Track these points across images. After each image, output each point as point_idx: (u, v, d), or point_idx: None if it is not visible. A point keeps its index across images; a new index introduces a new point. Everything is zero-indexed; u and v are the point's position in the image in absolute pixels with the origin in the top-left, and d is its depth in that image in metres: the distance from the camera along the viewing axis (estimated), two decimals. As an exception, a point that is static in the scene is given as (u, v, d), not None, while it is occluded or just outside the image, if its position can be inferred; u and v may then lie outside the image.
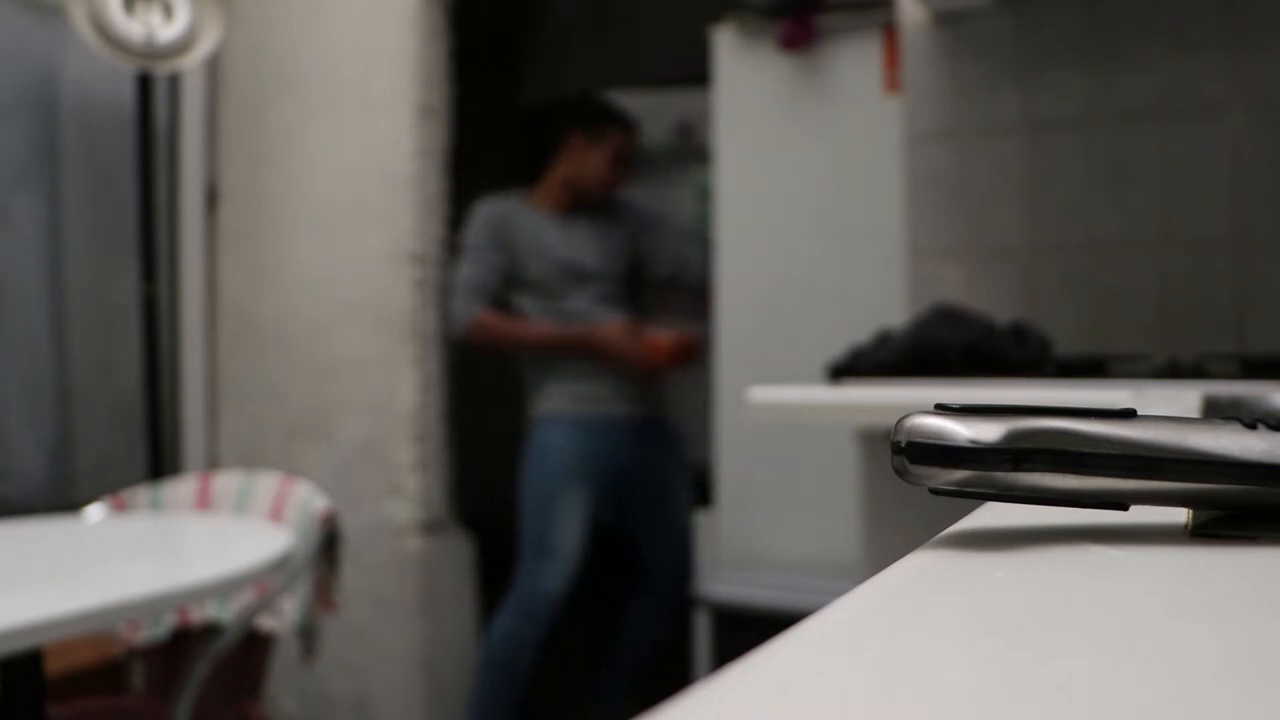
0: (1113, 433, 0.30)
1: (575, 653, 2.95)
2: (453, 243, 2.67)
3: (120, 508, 1.87)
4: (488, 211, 2.57)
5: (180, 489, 1.97)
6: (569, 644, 2.84)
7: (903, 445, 0.30)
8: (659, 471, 2.63)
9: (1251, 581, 0.25)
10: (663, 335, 2.52)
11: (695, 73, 2.72)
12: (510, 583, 2.45)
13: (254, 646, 1.83)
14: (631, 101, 3.60)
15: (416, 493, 2.54)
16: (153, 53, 2.19)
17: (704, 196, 3.16)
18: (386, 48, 2.59)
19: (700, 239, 2.70)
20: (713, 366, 2.42)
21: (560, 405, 2.51)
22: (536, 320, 2.53)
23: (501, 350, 2.55)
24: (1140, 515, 0.33)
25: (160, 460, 2.32)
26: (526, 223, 2.55)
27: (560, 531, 2.45)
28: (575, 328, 2.49)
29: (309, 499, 1.81)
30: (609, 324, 2.48)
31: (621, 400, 2.55)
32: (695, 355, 2.52)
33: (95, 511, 1.82)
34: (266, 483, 1.93)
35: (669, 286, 2.72)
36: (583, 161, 2.58)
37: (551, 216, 2.56)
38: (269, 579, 1.37)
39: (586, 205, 2.62)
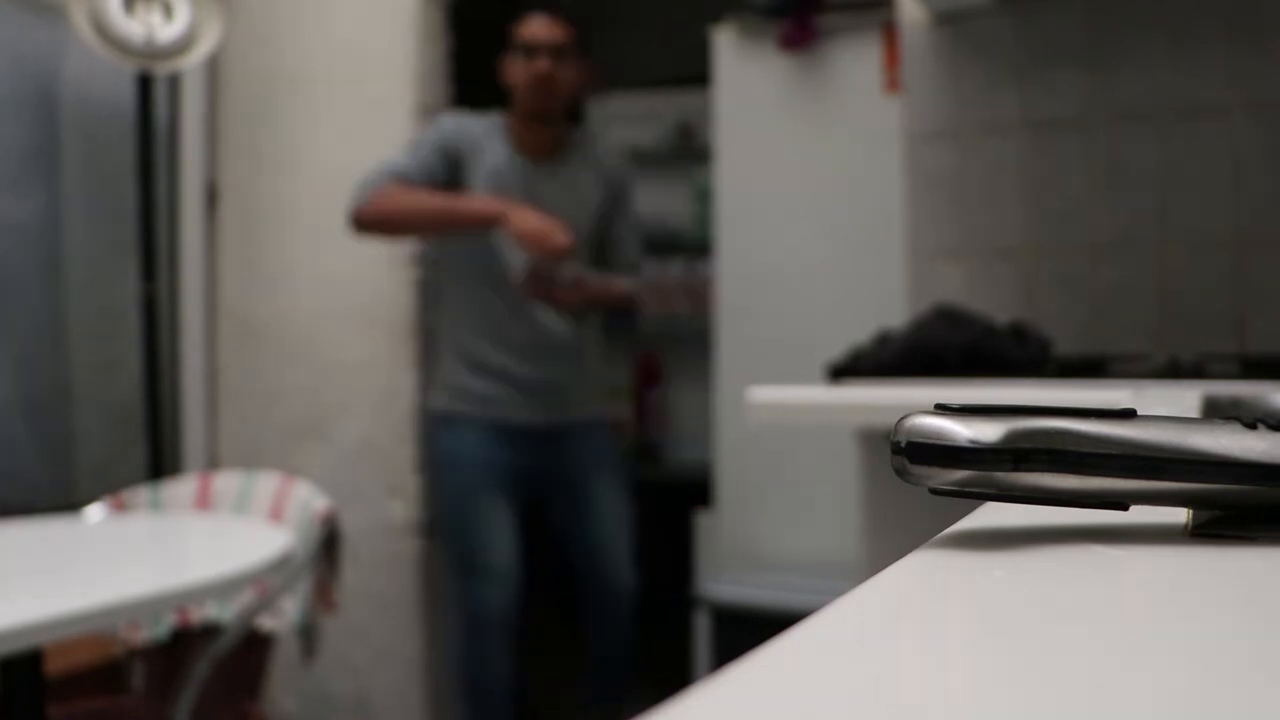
0: (1113, 433, 0.30)
1: (553, 670, 2.92)
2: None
3: (120, 508, 1.87)
4: (452, 124, 2.25)
5: (180, 489, 1.97)
6: (547, 661, 2.82)
7: (903, 445, 0.30)
8: (578, 483, 2.31)
9: (1251, 581, 0.25)
10: (586, 276, 2.20)
11: (695, 73, 2.72)
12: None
13: (254, 646, 1.83)
14: (631, 102, 3.61)
15: (416, 493, 2.54)
16: (153, 53, 2.19)
17: (704, 196, 3.16)
18: (386, 48, 2.59)
19: (641, 240, 2.46)
20: (713, 366, 2.42)
21: (454, 405, 2.27)
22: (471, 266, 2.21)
23: (392, 235, 2.25)
24: (1140, 515, 0.33)
25: (160, 460, 2.32)
26: (490, 152, 2.20)
27: (484, 547, 2.23)
28: (483, 201, 2.12)
29: (309, 499, 1.82)
30: (526, 211, 2.07)
31: (522, 406, 2.25)
32: (595, 303, 2.23)
33: (95, 511, 1.82)
34: (266, 483, 1.93)
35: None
36: (507, 76, 2.22)
37: (520, 155, 2.22)
38: (269, 579, 1.37)
39: (563, 150, 2.27)
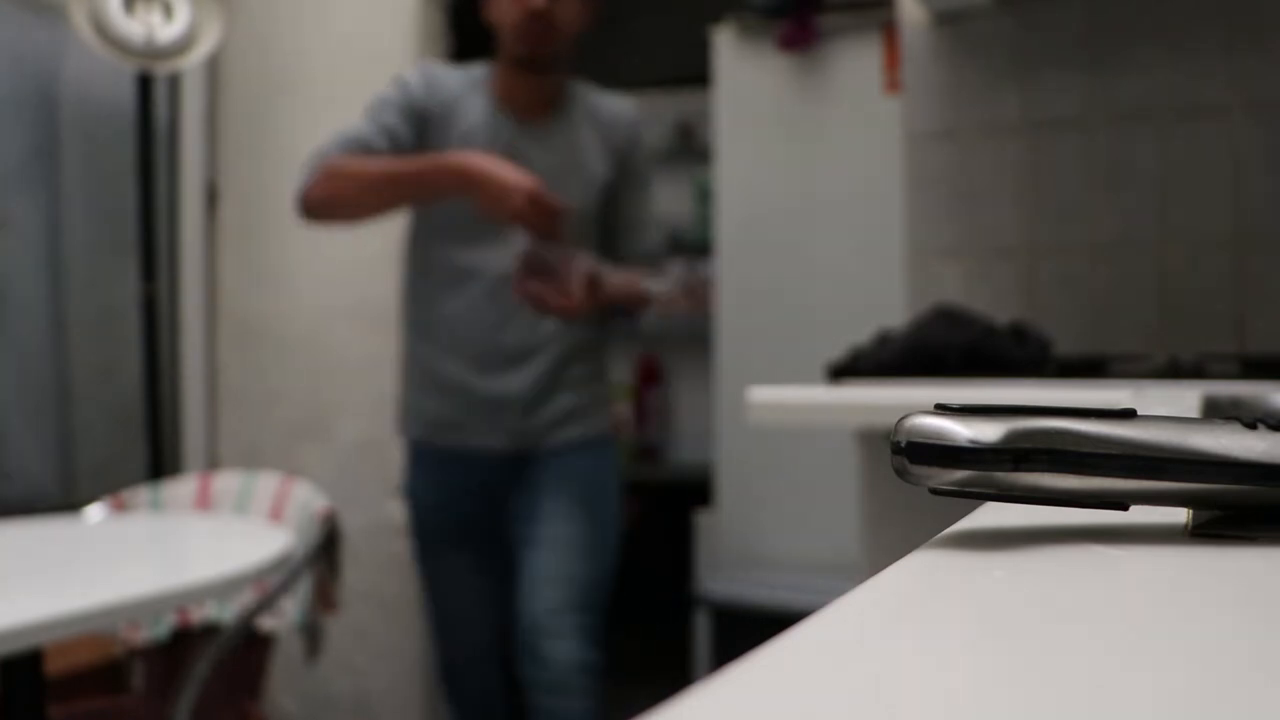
0: (1113, 433, 0.30)
1: None
2: None
3: (120, 508, 1.87)
4: (419, 80, 1.79)
5: (180, 489, 1.97)
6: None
7: (903, 445, 0.30)
8: (529, 515, 1.81)
9: (1251, 581, 0.25)
10: (586, 262, 1.65)
11: (695, 73, 2.72)
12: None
13: (254, 646, 1.83)
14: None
15: (416, 493, 2.55)
16: (153, 53, 2.19)
17: (704, 196, 3.16)
18: (386, 48, 2.59)
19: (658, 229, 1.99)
20: (713, 366, 2.42)
21: (408, 429, 1.88)
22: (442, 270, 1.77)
23: (346, 217, 1.79)
24: (1140, 515, 0.33)
25: (160, 460, 2.32)
26: (467, 110, 1.76)
27: (442, 603, 1.89)
28: (437, 157, 1.66)
29: (309, 499, 1.82)
30: (494, 165, 1.61)
31: (484, 428, 1.78)
32: (597, 304, 1.69)
33: (95, 511, 1.82)
34: (266, 483, 1.93)
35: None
36: (493, 14, 1.78)
37: (503, 112, 1.77)
38: (269, 579, 1.37)
39: (559, 108, 1.81)
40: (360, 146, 1.71)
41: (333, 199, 1.71)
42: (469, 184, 1.60)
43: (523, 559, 1.79)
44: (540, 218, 1.58)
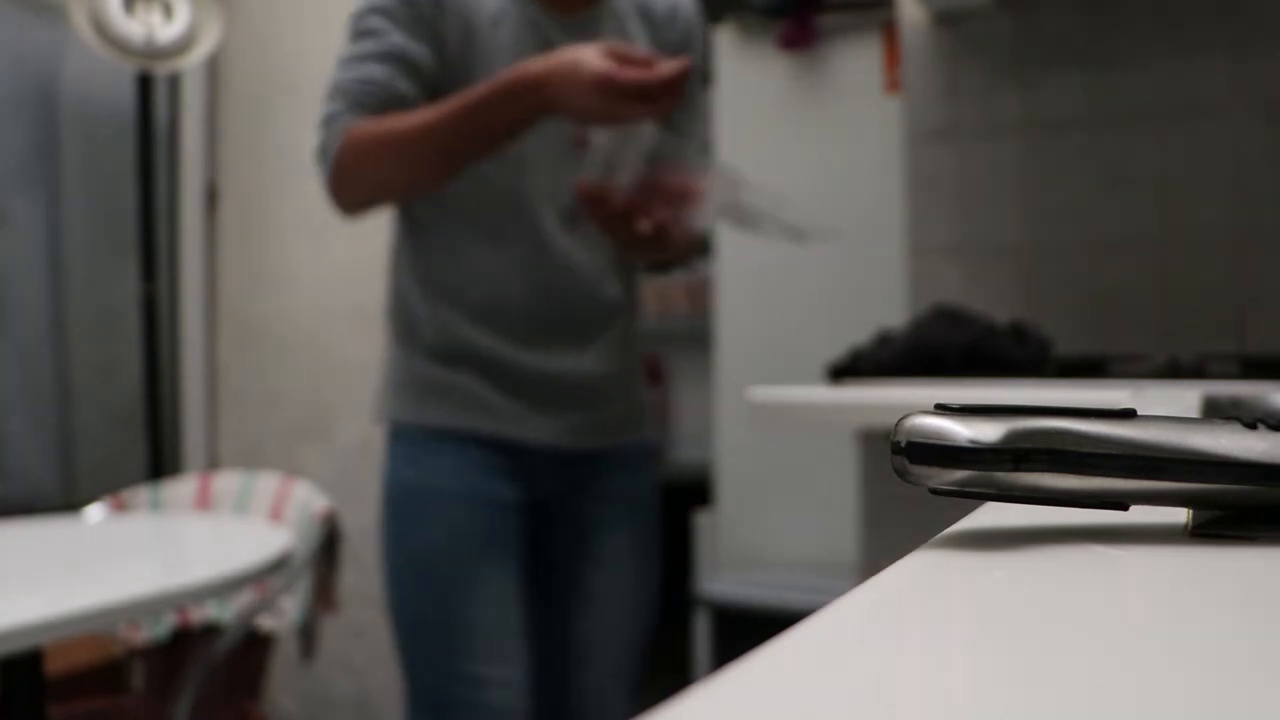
0: (1113, 433, 0.30)
1: None
2: None
3: (120, 508, 1.87)
4: None
5: (180, 489, 1.97)
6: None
7: (903, 445, 0.30)
8: (584, 548, 1.41)
9: (1251, 581, 0.25)
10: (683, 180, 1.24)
11: (695, 73, 2.72)
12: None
13: (254, 646, 1.83)
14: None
15: (416, 493, 2.54)
16: (153, 53, 2.18)
17: (704, 196, 3.15)
18: (386, 48, 2.59)
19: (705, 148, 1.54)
20: (713, 366, 2.41)
21: (408, 411, 1.32)
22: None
23: (397, 194, 1.32)
24: (1140, 515, 0.33)
25: (160, 460, 2.32)
26: (489, 5, 1.28)
27: (469, 669, 1.26)
28: (495, 84, 1.15)
29: (309, 499, 1.82)
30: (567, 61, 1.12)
31: (536, 419, 1.32)
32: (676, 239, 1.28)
33: (95, 511, 1.82)
34: (266, 483, 1.93)
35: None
36: None
37: (536, 4, 1.31)
38: (269, 579, 1.37)
39: (602, 2, 1.36)
40: (378, 92, 1.23)
41: (373, 181, 1.26)
42: (547, 93, 1.13)
43: (572, 607, 1.42)
44: (640, 101, 1.11)
